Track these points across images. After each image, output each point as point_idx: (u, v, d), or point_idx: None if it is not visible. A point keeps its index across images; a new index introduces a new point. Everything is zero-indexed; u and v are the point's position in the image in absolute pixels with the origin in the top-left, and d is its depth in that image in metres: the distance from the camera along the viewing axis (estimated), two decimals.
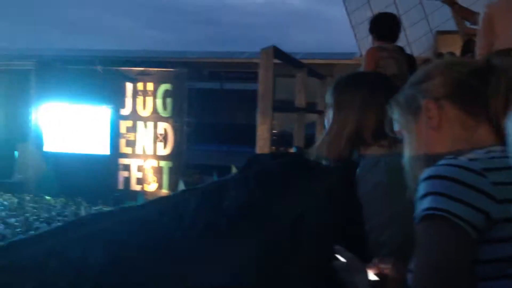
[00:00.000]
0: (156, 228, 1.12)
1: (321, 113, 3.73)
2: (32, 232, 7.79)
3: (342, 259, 1.32)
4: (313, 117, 4.35)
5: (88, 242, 0.88)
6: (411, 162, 1.18)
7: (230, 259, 1.36)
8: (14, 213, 9.48)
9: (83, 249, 0.84)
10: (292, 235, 1.92)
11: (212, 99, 16.30)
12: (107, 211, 1.12)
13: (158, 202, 1.28)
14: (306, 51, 16.49)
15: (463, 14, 3.99)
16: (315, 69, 3.53)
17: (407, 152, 1.20)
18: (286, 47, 2.86)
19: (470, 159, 0.98)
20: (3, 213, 9.35)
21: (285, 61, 2.50)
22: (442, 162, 0.99)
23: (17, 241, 1.01)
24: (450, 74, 1.14)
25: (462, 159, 0.99)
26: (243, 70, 15.59)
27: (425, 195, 0.95)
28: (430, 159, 1.07)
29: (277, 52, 2.21)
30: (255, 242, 1.61)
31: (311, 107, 4.31)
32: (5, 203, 10.39)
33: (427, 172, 0.98)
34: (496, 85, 1.09)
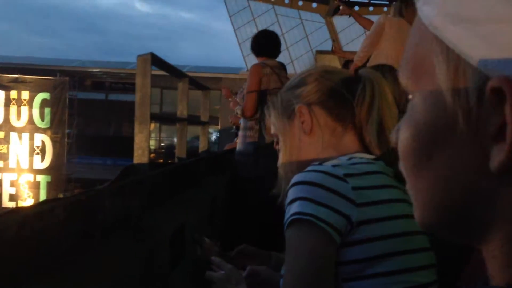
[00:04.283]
0: (17, 241, 1.05)
1: (204, 124, 3.77)
2: None
3: (221, 271, 1.33)
4: (197, 130, 4.37)
5: None
6: (285, 167, 1.23)
7: (105, 273, 1.32)
8: None
9: None
10: (171, 247, 1.91)
11: (96, 110, 15.64)
12: None
13: (16, 213, 1.19)
14: (195, 64, 16.54)
15: (361, 22, 4.38)
16: (201, 82, 3.56)
17: (281, 156, 1.25)
18: (176, 61, 2.86)
19: (334, 165, 1.06)
20: None
21: (163, 69, 2.49)
22: (309, 168, 1.05)
23: None
24: (323, 82, 1.19)
25: (326, 165, 1.06)
26: (129, 81, 15.19)
27: (292, 201, 0.99)
28: (301, 165, 1.12)
29: (155, 59, 2.20)
30: (133, 254, 1.58)
31: (194, 119, 4.34)
32: None
33: (295, 178, 1.03)
34: (361, 95, 1.15)
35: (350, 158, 1.11)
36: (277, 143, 1.27)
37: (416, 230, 1.04)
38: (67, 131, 12.05)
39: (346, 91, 1.16)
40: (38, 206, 1.17)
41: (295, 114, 1.20)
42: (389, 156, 1.09)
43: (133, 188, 1.75)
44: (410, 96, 0.40)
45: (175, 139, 3.70)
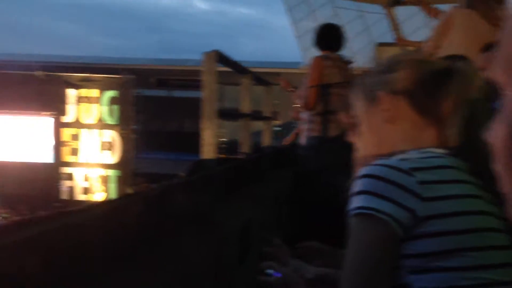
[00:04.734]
0: (99, 233, 1.12)
1: (267, 119, 3.80)
2: None
3: (278, 274, 1.34)
4: (259, 125, 4.42)
5: (25, 248, 0.86)
6: (361, 155, 1.22)
7: (177, 264, 1.38)
8: None
9: (18, 256, 0.83)
10: (239, 241, 1.95)
11: (160, 106, 16.12)
12: (45, 214, 1.10)
13: (99, 207, 1.27)
14: (253, 60, 16.66)
15: (431, 12, 4.25)
16: (261, 77, 3.59)
17: (359, 143, 1.24)
18: (234, 57, 2.92)
19: (401, 159, 1.05)
20: None
21: (228, 65, 2.54)
22: (376, 161, 1.05)
23: None
24: (411, 71, 1.14)
25: (393, 159, 1.05)
26: (191, 77, 15.55)
27: (357, 193, 1.02)
28: (377, 154, 1.11)
29: (219, 56, 2.25)
30: (203, 248, 1.63)
31: (257, 114, 4.38)
32: None
33: (362, 170, 1.04)
34: (450, 89, 1.12)
35: (423, 152, 1.10)
36: (351, 133, 1.26)
37: (493, 227, 1.01)
38: (133, 127, 12.51)
39: (434, 83, 1.12)
40: (122, 199, 1.25)
41: (377, 101, 1.18)
42: (467, 151, 1.06)
43: (204, 183, 1.81)
44: (504, 92, 0.40)
45: (235, 134, 3.75)
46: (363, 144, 1.22)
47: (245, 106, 2.90)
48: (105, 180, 12.25)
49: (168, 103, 16.95)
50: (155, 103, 16.05)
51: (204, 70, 2.08)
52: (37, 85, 12.30)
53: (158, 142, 14.70)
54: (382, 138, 1.17)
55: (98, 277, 1.04)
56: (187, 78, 15.73)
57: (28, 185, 11.42)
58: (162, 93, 16.85)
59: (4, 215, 10.48)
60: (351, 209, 1.02)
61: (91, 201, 11.34)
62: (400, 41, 5.69)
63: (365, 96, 1.20)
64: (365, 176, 1.03)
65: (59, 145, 12.30)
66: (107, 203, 1.29)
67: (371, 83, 1.20)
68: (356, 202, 1.02)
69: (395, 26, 5.13)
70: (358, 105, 1.22)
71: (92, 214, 1.11)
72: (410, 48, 4.94)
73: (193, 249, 1.55)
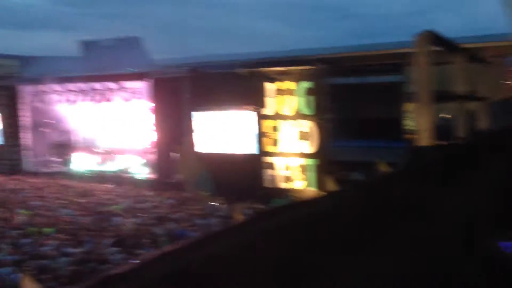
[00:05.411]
0: (336, 222, 1.13)
1: (483, 100, 3.42)
2: (190, 227, 8.49)
3: None
4: (471, 106, 4.01)
5: (275, 235, 0.91)
6: None
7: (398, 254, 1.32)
8: (177, 209, 10.39)
9: (275, 242, 0.87)
10: (464, 232, 1.79)
11: (354, 94, 16.00)
12: (281, 206, 1.15)
13: (331, 197, 1.29)
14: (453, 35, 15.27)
15: None
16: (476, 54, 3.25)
17: None
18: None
19: None
20: (167, 210, 10.30)
21: (442, 45, 2.33)
22: None
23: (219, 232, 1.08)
24: None
25: None
26: (385, 62, 15.02)
27: None
28: None
29: (433, 37, 2.07)
30: (424, 238, 1.54)
31: (471, 95, 3.99)
32: (170, 201, 11.42)
33: None
34: None
35: None
36: None
37: None
38: (328, 116, 12.69)
39: None
40: (345, 190, 1.25)
41: None
42: None
43: (422, 172, 1.70)
44: None
45: (441, 117, 3.45)
46: None
47: (460, 87, 2.64)
48: (304, 168, 12.74)
49: (362, 89, 16.71)
50: (349, 91, 15.97)
51: (416, 52, 1.95)
52: (240, 82, 13.43)
53: (353, 129, 14.64)
54: None
55: (335, 259, 1.05)
56: (380, 62, 15.28)
57: (236, 174, 12.54)
58: (355, 80, 16.71)
59: (217, 203, 11.66)
60: None
61: (299, 190, 11.93)
62: None
63: None
64: None
65: (261, 136, 13.24)
66: (334, 194, 1.29)
67: None
68: None
69: None
70: None
71: (326, 203, 1.12)
72: None
73: (414, 239, 1.47)
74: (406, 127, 11.09)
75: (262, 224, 1.04)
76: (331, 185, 9.37)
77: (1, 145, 17.35)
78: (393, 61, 11.80)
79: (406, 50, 2.92)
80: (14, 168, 16.78)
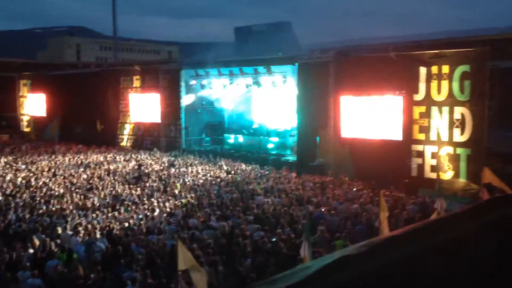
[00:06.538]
0: None
1: None
2: (332, 211, 8.46)
3: None
4: None
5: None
6: None
7: None
8: (317, 192, 10.43)
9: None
10: None
11: None
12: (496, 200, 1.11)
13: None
14: None
15: None
16: None
17: None
18: None
19: None
20: (307, 192, 10.40)
21: None
22: None
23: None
24: None
25: None
26: None
27: None
28: None
29: None
30: None
31: None
32: (310, 184, 11.53)
33: None
34: None
35: None
36: None
37: None
38: (487, 103, 11.53)
39: None
40: None
41: None
42: None
43: None
44: None
45: None
46: None
47: None
48: (454, 158, 11.64)
49: None
50: None
51: None
52: (390, 66, 12.81)
53: None
54: None
55: None
56: None
57: (380, 161, 12.10)
58: None
59: (356, 188, 11.40)
60: None
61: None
62: None
63: None
64: None
65: (408, 123, 12.48)
66: None
67: None
68: None
69: None
70: None
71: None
72: None
73: None
74: None
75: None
76: (488, 177, 8.54)
77: (158, 123, 19.24)
78: None
79: None
80: (169, 145, 18.55)
